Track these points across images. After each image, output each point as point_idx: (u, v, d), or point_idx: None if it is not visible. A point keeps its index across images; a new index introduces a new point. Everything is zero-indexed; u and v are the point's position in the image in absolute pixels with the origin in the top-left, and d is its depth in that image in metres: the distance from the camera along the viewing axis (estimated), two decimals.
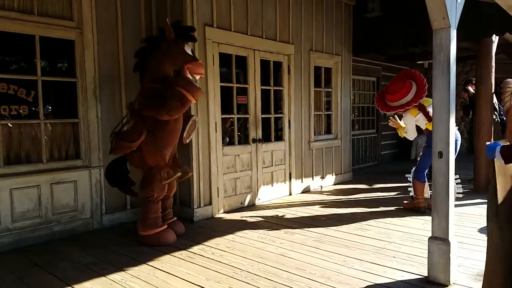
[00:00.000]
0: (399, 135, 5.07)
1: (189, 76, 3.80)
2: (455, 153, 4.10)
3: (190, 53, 3.86)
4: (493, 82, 5.95)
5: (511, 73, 4.29)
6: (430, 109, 4.28)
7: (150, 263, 3.32)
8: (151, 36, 4.27)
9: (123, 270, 3.16)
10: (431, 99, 4.69)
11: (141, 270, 3.17)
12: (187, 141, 4.12)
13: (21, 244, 3.73)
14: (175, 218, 4.16)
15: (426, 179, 4.83)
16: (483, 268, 3.05)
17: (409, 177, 5.01)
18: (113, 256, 3.47)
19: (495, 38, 5.92)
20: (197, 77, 3.91)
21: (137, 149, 3.70)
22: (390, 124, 5.04)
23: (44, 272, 3.14)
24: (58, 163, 4.08)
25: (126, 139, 3.66)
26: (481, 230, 4.07)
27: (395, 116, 5.00)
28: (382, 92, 5.00)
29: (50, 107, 4.43)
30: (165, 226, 3.87)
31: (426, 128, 4.67)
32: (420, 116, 4.69)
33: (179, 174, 3.89)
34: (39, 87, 3.90)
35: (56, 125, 4.15)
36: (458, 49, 3.02)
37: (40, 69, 3.91)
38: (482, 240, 3.75)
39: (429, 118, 4.57)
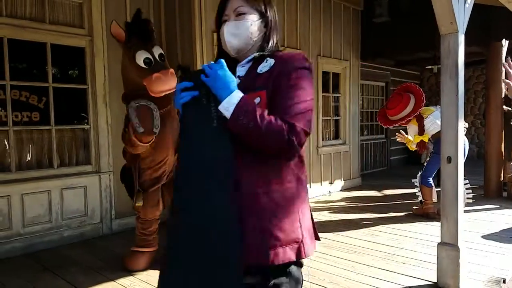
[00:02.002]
0: (410, 149, 5.08)
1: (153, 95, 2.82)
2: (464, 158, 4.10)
3: (142, 64, 2.85)
4: (503, 86, 5.90)
5: None
6: (432, 117, 4.67)
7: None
8: None
9: (132, 275, 3.18)
10: (432, 108, 4.88)
11: (149, 275, 3.19)
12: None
13: (31, 249, 3.78)
14: None
15: (433, 185, 4.82)
16: (494, 274, 3.05)
17: (416, 182, 5.03)
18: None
19: (505, 43, 5.88)
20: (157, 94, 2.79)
21: None
22: (398, 139, 5.07)
23: (54, 277, 3.17)
24: (69, 168, 4.13)
25: None
26: (491, 236, 4.01)
27: (401, 131, 5.01)
28: (383, 109, 5.17)
29: (61, 114, 4.48)
30: (146, 249, 3.29)
31: (433, 135, 4.70)
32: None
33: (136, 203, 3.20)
34: (50, 94, 3.98)
35: (67, 131, 4.20)
36: (468, 53, 3.02)
37: (51, 76, 3.98)
38: (493, 246, 3.71)
39: (421, 131, 4.77)
